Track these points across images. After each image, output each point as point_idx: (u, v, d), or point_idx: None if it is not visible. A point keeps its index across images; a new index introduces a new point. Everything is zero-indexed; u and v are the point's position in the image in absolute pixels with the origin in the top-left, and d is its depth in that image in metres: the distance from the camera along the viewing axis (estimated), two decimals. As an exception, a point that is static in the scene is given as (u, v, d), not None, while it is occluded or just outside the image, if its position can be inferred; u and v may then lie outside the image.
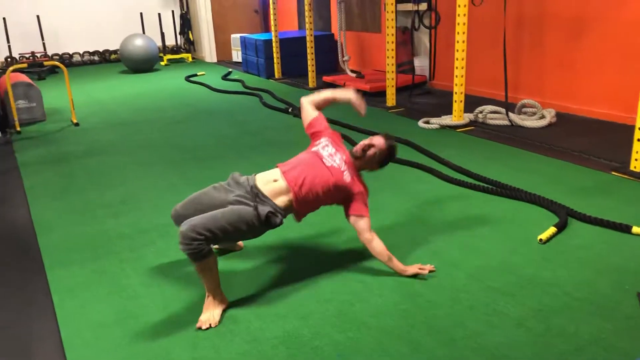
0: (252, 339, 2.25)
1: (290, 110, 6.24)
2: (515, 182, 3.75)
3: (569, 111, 5.64)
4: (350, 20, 8.49)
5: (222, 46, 11.28)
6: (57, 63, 6.37)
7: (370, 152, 2.71)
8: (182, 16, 11.53)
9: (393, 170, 4.18)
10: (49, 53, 10.91)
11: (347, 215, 2.72)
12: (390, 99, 6.32)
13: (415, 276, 2.66)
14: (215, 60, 11.31)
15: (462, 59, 5.09)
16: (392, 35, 6.07)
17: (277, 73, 8.70)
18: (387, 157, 2.80)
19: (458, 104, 5.25)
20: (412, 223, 3.30)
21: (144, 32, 10.82)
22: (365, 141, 2.73)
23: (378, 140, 2.74)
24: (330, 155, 2.70)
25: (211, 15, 11.13)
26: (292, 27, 10.42)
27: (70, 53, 11.29)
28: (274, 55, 8.62)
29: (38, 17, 10.38)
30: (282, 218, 2.55)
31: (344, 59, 7.82)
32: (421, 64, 7.41)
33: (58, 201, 3.89)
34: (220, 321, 2.38)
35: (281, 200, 2.57)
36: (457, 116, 5.29)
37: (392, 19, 6.02)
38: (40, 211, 3.71)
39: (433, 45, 6.69)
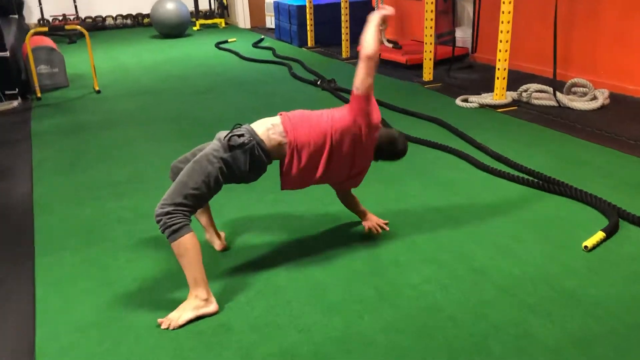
0: (244, 355, 1.97)
1: (319, 82, 5.87)
2: (559, 174, 3.33)
3: (624, 92, 5.09)
4: (389, -14, 7.97)
5: (256, 11, 10.89)
6: (78, 27, 6.13)
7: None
8: (217, -21, 11.17)
9: (422, 155, 3.82)
10: (82, 16, 10.74)
11: (338, 190, 2.69)
12: (427, 73, 5.87)
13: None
14: (248, 26, 10.95)
15: (507, 32, 4.60)
16: (432, 2, 5.59)
17: (310, 41, 8.30)
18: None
19: (500, 81, 4.79)
20: (437, 217, 2.94)
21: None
22: None
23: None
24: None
25: (246, -21, 10.73)
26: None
27: (103, 16, 11.10)
28: (308, 22, 8.20)
29: (70, -22, 10.20)
30: (264, 157, 2.26)
31: (380, 27, 7.34)
32: (463, 35, 6.89)
33: (63, 177, 3.68)
34: (202, 326, 2.12)
35: (273, 141, 2.29)
36: (499, 94, 4.83)
37: (432, -14, 5.54)
38: (44, 188, 3.51)
39: (477, 15, 6.18)
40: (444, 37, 6.90)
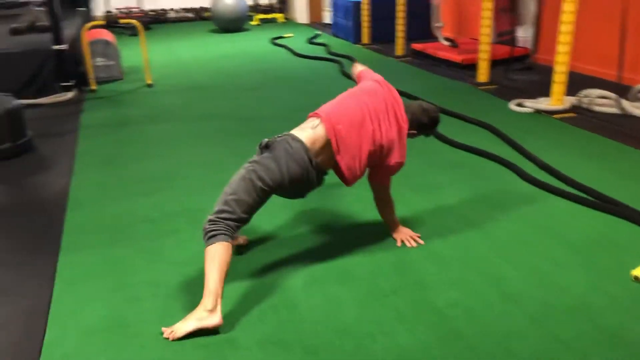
0: (245, 374, 1.88)
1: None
2: (614, 191, 3.05)
3: (700, 100, 4.66)
4: (450, -19, 7.70)
5: (315, 7, 10.80)
6: (132, 21, 6.23)
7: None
8: (277, -26, 11.16)
9: (464, 162, 3.61)
10: (146, 8, 10.99)
11: (372, 179, 2.57)
12: (482, 74, 5.59)
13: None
14: (307, 21, 10.87)
15: (568, 32, 4.29)
16: (490, 0, 5.31)
17: (366, 38, 8.12)
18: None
19: (558, 85, 4.48)
20: (472, 232, 2.74)
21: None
22: None
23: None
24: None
25: (306, -26, 10.66)
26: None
27: (166, 9, 11.32)
28: (363, 18, 8.03)
29: (135, -28, 10.45)
30: (315, 171, 2.28)
31: (436, 24, 7.11)
32: (525, 34, 6.54)
33: (101, 171, 3.71)
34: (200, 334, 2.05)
35: (317, 146, 2.30)
36: (556, 99, 4.53)
37: (491, -18, 5.25)
38: (81, 182, 3.54)
39: (539, 13, 5.83)
40: (505, 35, 6.57)
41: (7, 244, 2.85)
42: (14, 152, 3.99)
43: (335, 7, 8.98)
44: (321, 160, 2.32)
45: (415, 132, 2.56)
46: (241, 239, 2.67)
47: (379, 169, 2.51)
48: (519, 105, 4.68)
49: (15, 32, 6.57)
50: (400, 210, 2.84)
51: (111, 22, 7.00)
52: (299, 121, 2.48)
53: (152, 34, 9.73)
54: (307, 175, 2.28)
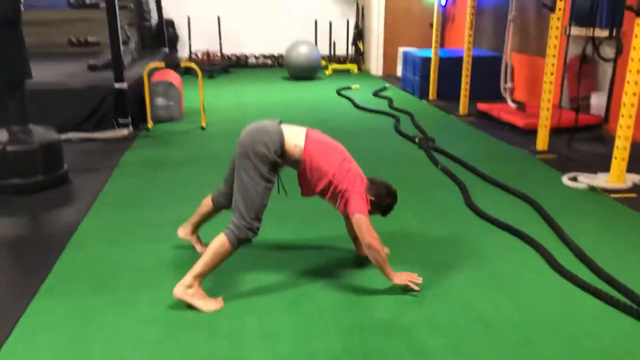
0: None
1: (416, 140, 5.45)
2: (656, 294, 2.59)
3: None
4: (525, 41, 7.35)
5: (390, 60, 10.72)
6: (192, 65, 6.40)
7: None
8: (355, 26, 11.23)
9: (489, 238, 3.27)
10: (227, 52, 11.39)
11: (346, 213, 2.70)
12: (542, 141, 5.17)
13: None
14: (380, 73, 10.80)
15: (632, 104, 3.86)
16: (553, 65, 4.95)
17: (432, 94, 7.89)
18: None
19: (618, 162, 4.02)
20: (474, 335, 2.40)
21: (316, 40, 10.76)
22: None
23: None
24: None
25: (383, 27, 10.63)
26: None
27: (247, 54, 11.68)
28: (431, 74, 7.82)
29: (218, 17, 10.87)
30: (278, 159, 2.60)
31: (506, 85, 6.76)
32: (599, 101, 6.04)
33: (116, 213, 3.69)
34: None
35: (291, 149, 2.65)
36: (616, 176, 4.06)
37: (555, 45, 4.90)
38: (91, 222, 3.54)
39: (612, 80, 5.37)
40: (578, 101, 6.11)
41: (-5, 279, 2.84)
42: (46, 185, 4.09)
43: (405, 61, 8.84)
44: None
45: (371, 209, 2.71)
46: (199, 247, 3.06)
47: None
48: (573, 179, 4.24)
49: (92, 68, 6.94)
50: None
51: (172, 65, 7.22)
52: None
53: (229, 77, 10.05)
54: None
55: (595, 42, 5.19)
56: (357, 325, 2.40)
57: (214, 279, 2.69)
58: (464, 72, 6.83)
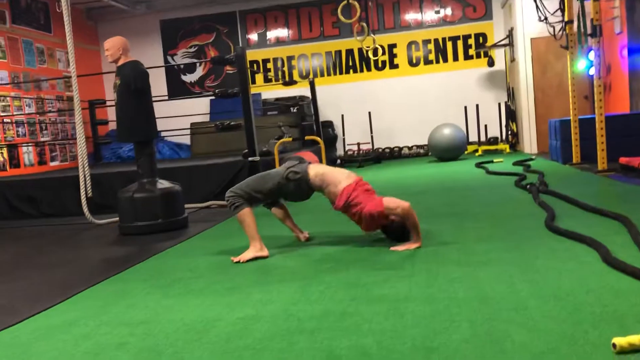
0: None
1: (528, 186, 5.16)
2: None
3: None
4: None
5: (544, 137, 10.25)
6: (317, 138, 6.95)
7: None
8: (506, 107, 11.11)
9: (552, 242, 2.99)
10: (380, 145, 11.96)
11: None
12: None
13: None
14: (535, 151, 10.34)
15: None
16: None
17: (575, 157, 7.37)
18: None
19: None
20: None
21: (467, 125, 10.83)
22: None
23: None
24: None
25: (533, 105, 10.36)
26: (623, 109, 8.75)
27: (400, 146, 12.13)
28: (572, 136, 7.36)
29: (369, 113, 11.63)
30: (307, 188, 3.52)
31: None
32: None
33: (204, 242, 4.13)
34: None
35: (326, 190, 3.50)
36: None
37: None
38: (182, 245, 4.02)
39: None
40: None
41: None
42: (165, 227, 4.74)
43: (549, 130, 8.46)
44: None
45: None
46: (301, 236, 3.83)
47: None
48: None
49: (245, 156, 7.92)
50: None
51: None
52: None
53: (378, 166, 10.46)
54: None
55: None
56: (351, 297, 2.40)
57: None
58: (597, 132, 6.34)
